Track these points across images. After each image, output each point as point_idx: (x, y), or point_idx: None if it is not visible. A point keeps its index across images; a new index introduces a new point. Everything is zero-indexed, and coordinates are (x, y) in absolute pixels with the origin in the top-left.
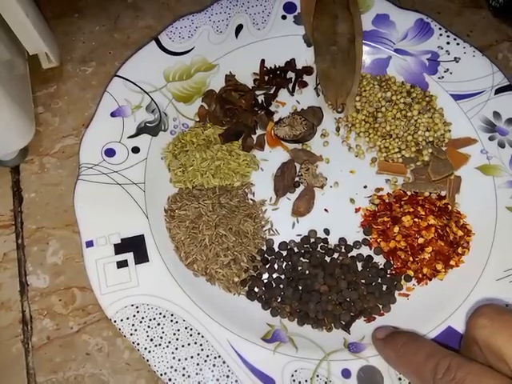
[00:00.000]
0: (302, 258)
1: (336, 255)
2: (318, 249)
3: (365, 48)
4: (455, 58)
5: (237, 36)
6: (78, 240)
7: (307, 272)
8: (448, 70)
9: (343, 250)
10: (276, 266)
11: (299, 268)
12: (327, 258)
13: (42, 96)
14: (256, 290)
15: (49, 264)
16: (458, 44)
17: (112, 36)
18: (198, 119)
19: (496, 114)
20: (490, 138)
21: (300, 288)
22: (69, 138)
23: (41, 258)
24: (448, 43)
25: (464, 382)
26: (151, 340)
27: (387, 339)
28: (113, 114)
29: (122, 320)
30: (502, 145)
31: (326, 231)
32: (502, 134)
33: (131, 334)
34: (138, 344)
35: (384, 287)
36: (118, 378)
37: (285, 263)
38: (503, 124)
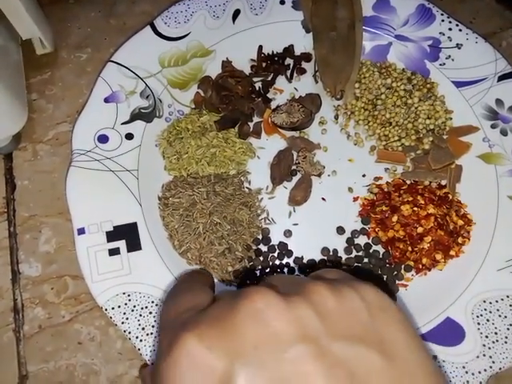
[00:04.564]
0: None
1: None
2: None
3: (365, 34)
4: (457, 44)
5: (234, 21)
6: (71, 228)
7: None
8: (450, 56)
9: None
10: (270, 262)
11: None
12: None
13: (37, 82)
14: (248, 282)
15: (41, 252)
16: (460, 30)
17: (108, 22)
18: (193, 106)
19: (499, 102)
20: (493, 126)
21: None
22: (62, 124)
23: (33, 246)
24: (450, 29)
25: None
26: (143, 329)
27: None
28: (106, 100)
29: (113, 308)
30: (504, 133)
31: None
32: (504, 121)
33: (122, 323)
34: (130, 333)
35: (384, 278)
36: (109, 367)
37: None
38: (506, 111)
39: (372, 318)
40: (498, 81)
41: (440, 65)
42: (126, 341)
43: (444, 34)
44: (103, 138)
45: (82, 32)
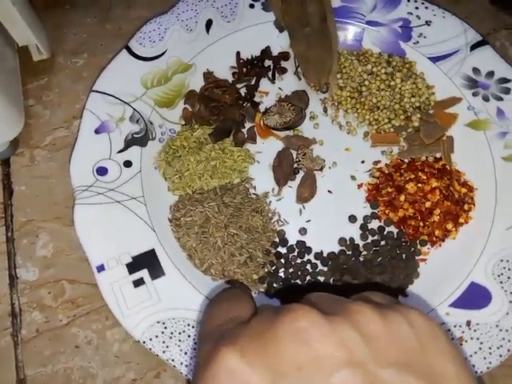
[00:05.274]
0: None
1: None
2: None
3: (337, 25)
4: (426, 21)
5: (208, 32)
6: (68, 233)
7: (331, 280)
8: (421, 34)
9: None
10: (292, 262)
11: (323, 279)
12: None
13: (33, 88)
14: (275, 285)
15: (38, 257)
16: (426, 8)
17: (103, 27)
18: (183, 122)
19: (475, 70)
20: (474, 94)
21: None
22: (59, 130)
23: (30, 251)
24: (417, 8)
25: None
26: (185, 353)
27: None
28: (97, 131)
29: (151, 339)
30: (486, 98)
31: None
32: (484, 88)
33: (164, 352)
34: (173, 360)
35: (403, 256)
36: (106, 370)
37: (308, 278)
38: (484, 78)
39: (421, 346)
40: (470, 50)
41: (414, 43)
42: (122, 344)
43: (412, 14)
44: (102, 170)
45: (77, 37)
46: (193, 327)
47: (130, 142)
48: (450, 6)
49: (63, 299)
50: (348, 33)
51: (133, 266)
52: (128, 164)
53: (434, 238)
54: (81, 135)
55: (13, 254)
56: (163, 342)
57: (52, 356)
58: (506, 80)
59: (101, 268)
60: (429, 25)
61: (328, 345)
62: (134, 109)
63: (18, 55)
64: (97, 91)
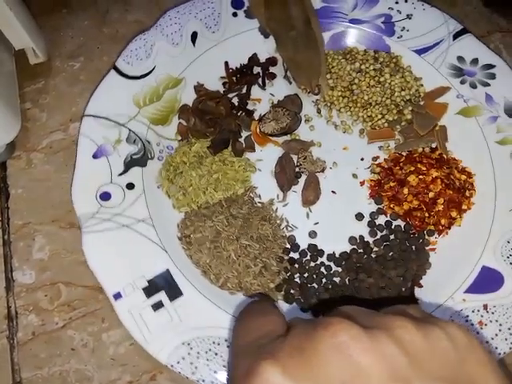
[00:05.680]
0: (333, 266)
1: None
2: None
3: (321, 25)
4: (407, 15)
5: (194, 44)
6: (65, 236)
7: (347, 280)
8: (404, 28)
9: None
10: (306, 266)
11: (338, 280)
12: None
13: (30, 91)
14: (292, 291)
15: (35, 260)
16: (406, 1)
17: (100, 31)
18: (180, 138)
19: (460, 58)
20: (462, 82)
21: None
22: (56, 133)
23: (27, 254)
24: (397, 3)
25: None
26: (215, 372)
27: None
28: (95, 156)
29: (178, 362)
30: (473, 85)
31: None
32: (470, 75)
33: (193, 373)
34: (204, 381)
35: (413, 248)
36: (102, 373)
37: (324, 280)
38: (469, 66)
39: (461, 359)
40: (453, 39)
41: (398, 38)
42: (118, 347)
43: (393, 9)
44: (105, 196)
45: (74, 41)
46: (218, 344)
47: (129, 164)
48: (446, 8)
49: (59, 302)
50: (332, 32)
51: (150, 290)
52: (131, 186)
53: (441, 227)
54: (79, 162)
55: (9, 256)
56: (191, 363)
57: (48, 359)
58: (490, 66)
59: (118, 296)
60: (410, 18)
61: (370, 359)
62: (130, 129)
63: (14, 58)
64: (90, 115)
